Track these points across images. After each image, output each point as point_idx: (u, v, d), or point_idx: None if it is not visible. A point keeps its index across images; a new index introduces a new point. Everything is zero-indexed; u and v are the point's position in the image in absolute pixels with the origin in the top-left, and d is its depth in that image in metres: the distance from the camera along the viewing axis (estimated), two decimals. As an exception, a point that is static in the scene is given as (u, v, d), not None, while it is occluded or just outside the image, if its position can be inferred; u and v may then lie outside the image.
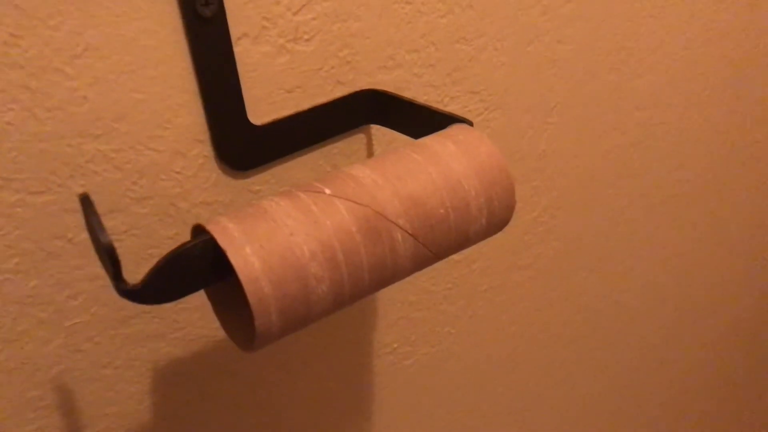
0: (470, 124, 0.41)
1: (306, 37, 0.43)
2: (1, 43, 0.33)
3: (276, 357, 0.52)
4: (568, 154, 0.65)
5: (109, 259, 0.30)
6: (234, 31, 0.40)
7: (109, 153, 0.38)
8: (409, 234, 0.35)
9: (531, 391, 0.80)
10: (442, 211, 0.36)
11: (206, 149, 0.41)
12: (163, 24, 0.37)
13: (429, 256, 0.37)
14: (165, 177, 0.41)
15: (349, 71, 0.46)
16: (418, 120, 0.44)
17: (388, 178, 0.36)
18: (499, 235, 0.64)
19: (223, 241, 0.31)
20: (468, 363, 0.69)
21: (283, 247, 0.32)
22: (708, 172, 0.83)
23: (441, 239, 0.37)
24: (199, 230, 0.34)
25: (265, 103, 0.43)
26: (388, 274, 0.36)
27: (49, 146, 0.36)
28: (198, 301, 0.46)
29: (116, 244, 0.41)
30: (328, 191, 0.34)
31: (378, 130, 0.49)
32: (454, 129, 0.40)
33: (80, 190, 0.38)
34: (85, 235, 0.39)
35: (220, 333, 0.48)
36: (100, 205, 0.39)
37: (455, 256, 0.61)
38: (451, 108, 0.53)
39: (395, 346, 0.61)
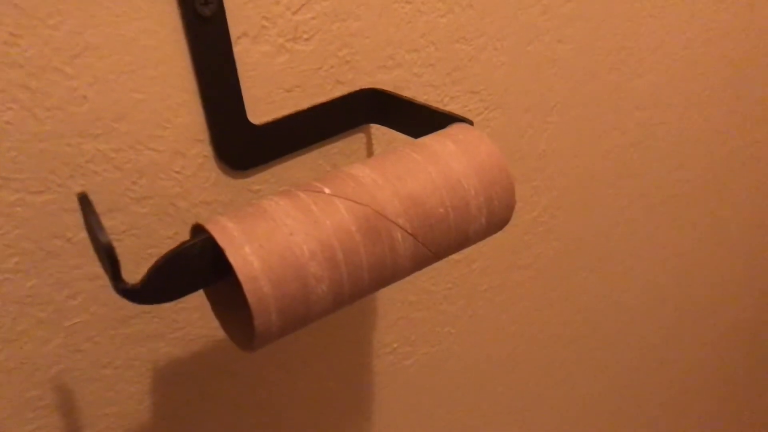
0: (470, 123, 0.41)
1: (305, 36, 0.43)
2: (1, 42, 0.33)
3: (276, 357, 0.52)
4: (568, 154, 0.65)
5: (108, 258, 0.30)
6: (233, 30, 0.40)
7: (108, 152, 0.38)
8: (409, 233, 0.35)
9: (531, 391, 0.80)
10: (441, 210, 0.36)
11: (206, 149, 0.41)
12: (162, 24, 0.37)
13: (429, 256, 0.37)
14: (164, 176, 0.41)
15: (349, 71, 0.46)
16: (418, 119, 0.44)
17: (387, 178, 0.36)
18: (499, 234, 0.64)
19: (222, 241, 0.31)
20: (468, 363, 0.69)
21: (283, 247, 0.32)
22: (708, 172, 0.83)
23: (441, 239, 0.37)
24: (198, 230, 0.34)
25: (264, 102, 0.43)
26: (387, 274, 0.36)
27: (49, 146, 0.36)
28: (197, 300, 0.46)
29: (115, 244, 0.41)
30: (327, 191, 0.34)
31: (378, 130, 0.49)
32: (454, 128, 0.40)
33: (80, 190, 0.38)
34: (84, 235, 0.39)
35: (220, 333, 0.48)
36: (100, 205, 0.39)
37: (455, 256, 0.61)
38: (451, 107, 0.53)
39: (395, 346, 0.61)
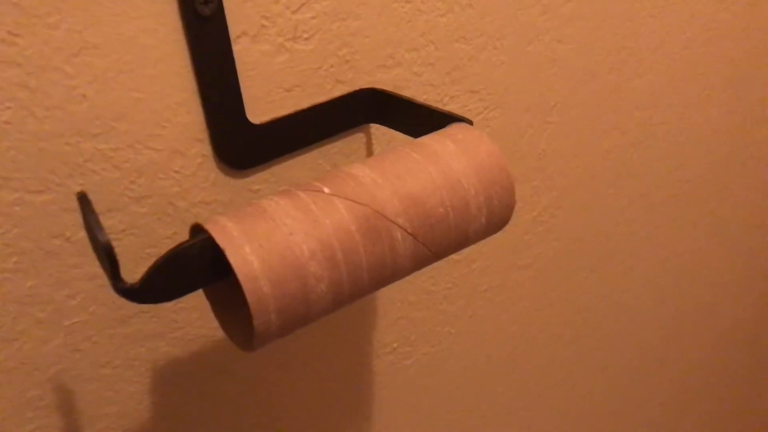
0: (470, 123, 0.41)
1: (305, 35, 0.43)
2: (0, 41, 0.33)
3: (276, 357, 0.52)
4: (568, 154, 0.65)
5: (108, 258, 0.30)
6: (233, 29, 0.39)
7: (107, 152, 0.38)
8: (409, 233, 0.35)
9: (531, 391, 0.80)
10: (441, 210, 0.36)
11: (205, 148, 0.41)
12: (162, 23, 0.37)
13: (428, 256, 0.37)
14: (164, 176, 0.41)
15: (349, 70, 0.46)
16: (418, 119, 0.43)
17: (387, 177, 0.36)
18: (499, 234, 0.64)
19: (221, 241, 0.31)
20: (468, 363, 0.69)
21: (283, 247, 0.32)
22: (708, 172, 0.83)
23: (441, 238, 0.37)
24: (197, 229, 0.34)
25: (264, 102, 0.43)
26: (387, 274, 0.36)
27: (48, 145, 0.36)
28: (197, 300, 0.46)
29: (114, 243, 0.41)
30: (327, 190, 0.34)
31: (377, 129, 0.49)
32: (454, 128, 0.40)
33: (79, 189, 0.38)
34: (83, 234, 0.39)
35: (219, 332, 0.48)
36: (99, 204, 0.39)
37: (455, 256, 0.61)
38: (451, 107, 0.53)
39: (395, 346, 0.61)
